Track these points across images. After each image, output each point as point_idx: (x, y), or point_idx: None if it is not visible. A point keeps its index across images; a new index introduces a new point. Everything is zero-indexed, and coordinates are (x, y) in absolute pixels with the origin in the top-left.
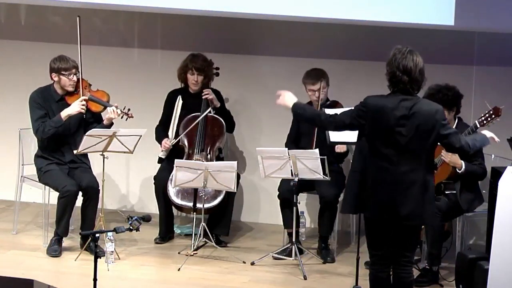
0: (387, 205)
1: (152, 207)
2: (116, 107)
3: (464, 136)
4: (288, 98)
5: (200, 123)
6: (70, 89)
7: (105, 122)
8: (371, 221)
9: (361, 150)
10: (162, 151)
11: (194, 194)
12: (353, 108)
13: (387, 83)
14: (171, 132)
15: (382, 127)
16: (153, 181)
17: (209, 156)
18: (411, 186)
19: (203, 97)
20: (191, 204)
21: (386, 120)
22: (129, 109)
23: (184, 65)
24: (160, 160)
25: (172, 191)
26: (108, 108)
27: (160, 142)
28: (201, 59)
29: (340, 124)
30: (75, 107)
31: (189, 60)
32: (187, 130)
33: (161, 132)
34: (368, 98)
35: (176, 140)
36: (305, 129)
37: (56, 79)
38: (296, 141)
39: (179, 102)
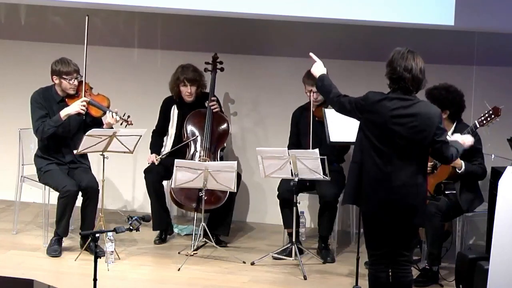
0: (381, 202)
1: None
2: (116, 113)
3: (451, 147)
4: (316, 69)
5: (206, 122)
6: (71, 92)
7: (104, 127)
8: (368, 218)
9: (361, 141)
10: (148, 163)
11: (197, 197)
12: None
13: (387, 82)
14: (170, 142)
15: (377, 122)
16: (144, 175)
17: (213, 155)
18: (403, 187)
19: (212, 109)
20: (193, 204)
21: (382, 116)
22: (128, 116)
23: (176, 78)
24: None
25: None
26: (107, 113)
27: (151, 150)
28: (191, 70)
29: (342, 107)
30: (75, 107)
31: (180, 73)
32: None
33: (156, 140)
34: (369, 93)
35: (166, 154)
36: (304, 130)
37: (57, 82)
38: (297, 143)
39: (174, 112)
